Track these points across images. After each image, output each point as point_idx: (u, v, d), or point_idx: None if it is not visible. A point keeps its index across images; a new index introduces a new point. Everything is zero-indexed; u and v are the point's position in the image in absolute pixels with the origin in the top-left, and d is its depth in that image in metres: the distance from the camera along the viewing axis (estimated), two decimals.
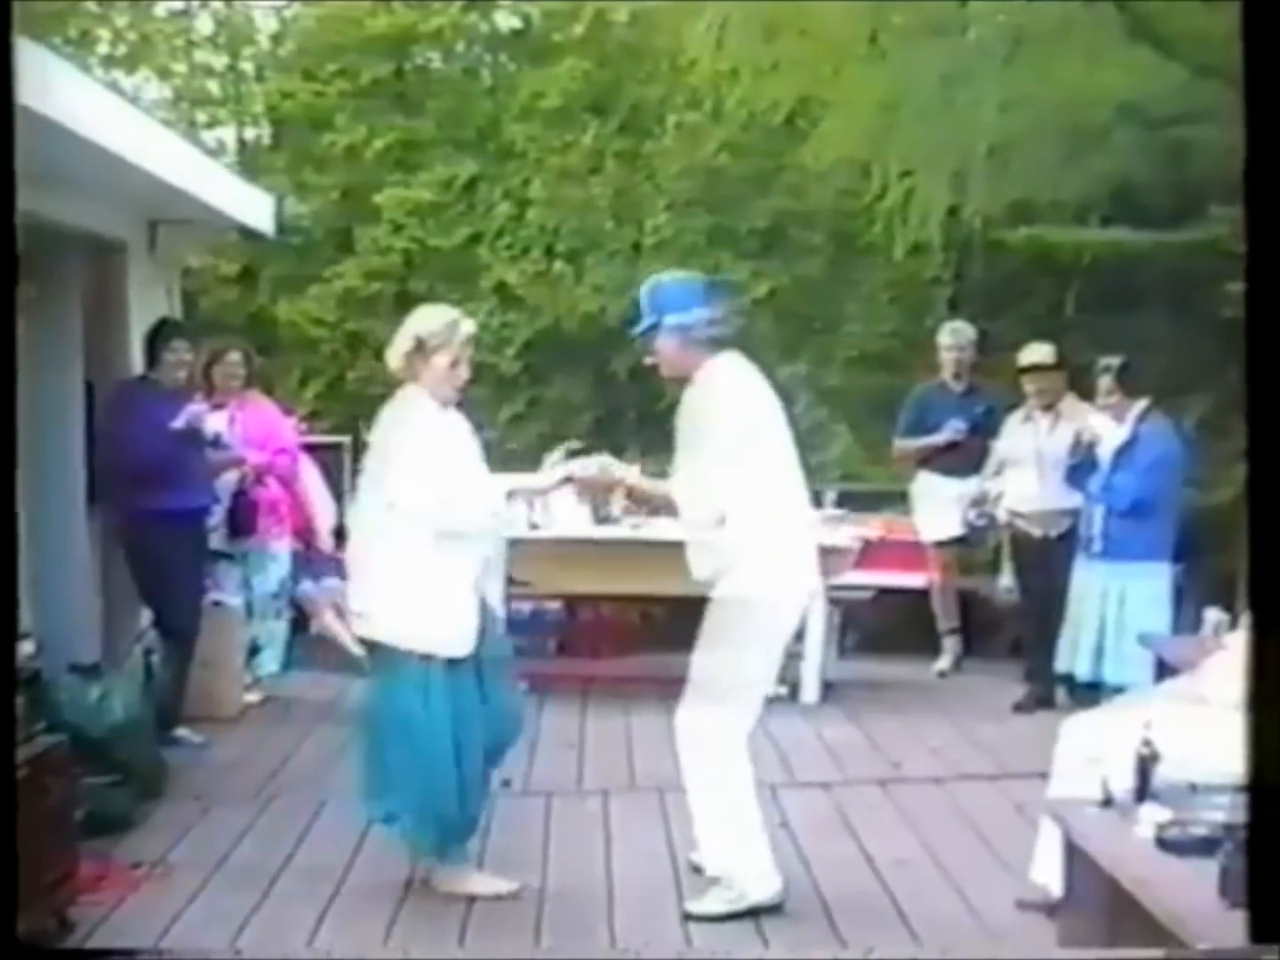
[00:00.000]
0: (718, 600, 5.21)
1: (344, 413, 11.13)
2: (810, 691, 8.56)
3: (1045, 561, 8.23)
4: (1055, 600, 7.96)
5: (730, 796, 5.22)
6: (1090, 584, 7.79)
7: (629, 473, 5.53)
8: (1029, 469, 8.33)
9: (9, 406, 3.26)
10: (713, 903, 5.23)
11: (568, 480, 5.44)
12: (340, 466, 9.94)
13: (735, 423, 5.18)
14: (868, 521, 9.47)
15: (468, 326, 5.49)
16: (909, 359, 10.94)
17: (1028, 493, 8.35)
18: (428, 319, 5.47)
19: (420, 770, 5.31)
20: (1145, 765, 4.31)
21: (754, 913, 5.18)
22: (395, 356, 5.44)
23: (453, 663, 5.30)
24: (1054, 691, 8.22)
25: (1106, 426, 7.81)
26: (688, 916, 5.21)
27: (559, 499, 7.89)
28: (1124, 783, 4.33)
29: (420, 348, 5.36)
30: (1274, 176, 2.81)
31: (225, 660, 8.04)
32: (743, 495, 5.15)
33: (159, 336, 7.63)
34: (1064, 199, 9.39)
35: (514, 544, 8.33)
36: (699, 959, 4.91)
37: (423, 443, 5.31)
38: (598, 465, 5.52)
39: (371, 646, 5.50)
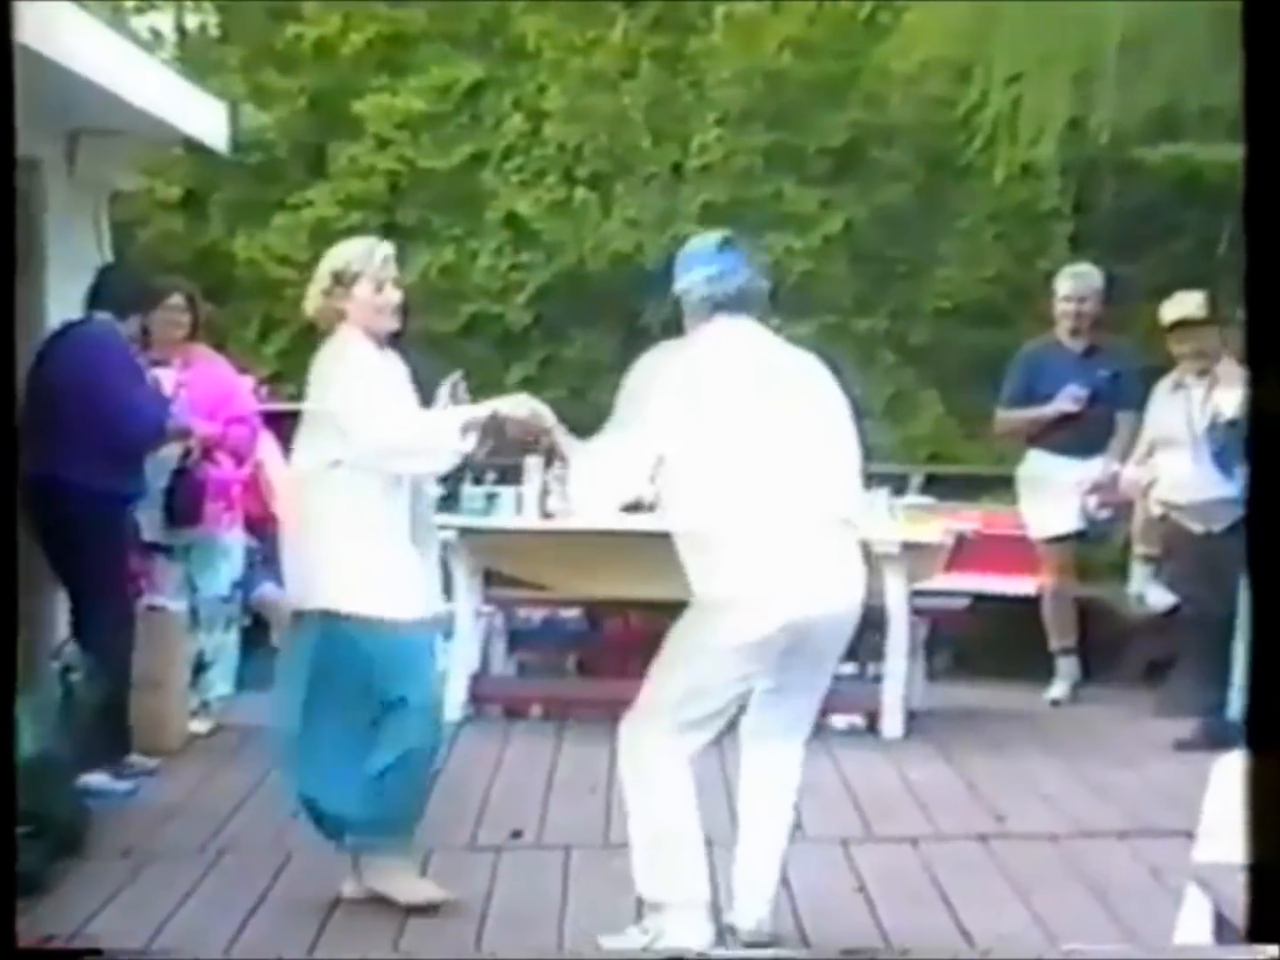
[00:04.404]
0: (692, 605, 5.45)
1: None
2: (893, 723, 8.52)
3: (1208, 563, 8.08)
4: (1222, 610, 7.79)
5: (666, 825, 5.40)
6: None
7: (556, 423, 5.73)
8: (1182, 449, 8.29)
9: (9, 389, 3.24)
10: (628, 940, 5.42)
11: (492, 417, 5.65)
12: None
13: (693, 398, 5.34)
14: (962, 512, 9.52)
15: (384, 248, 6.10)
16: (1016, 310, 11.04)
17: (1182, 478, 8.29)
18: (340, 251, 6.12)
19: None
20: None
21: None
22: (314, 301, 6.10)
23: (394, 625, 5.70)
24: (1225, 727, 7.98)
25: None
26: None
27: None
28: None
29: (339, 282, 5.98)
30: None
31: (165, 679, 8.02)
32: (722, 485, 5.33)
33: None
34: (1217, 106, 9.26)
35: (523, 537, 8.42)
36: None
37: (369, 383, 5.87)
38: (528, 406, 5.78)
39: (301, 616, 5.97)
